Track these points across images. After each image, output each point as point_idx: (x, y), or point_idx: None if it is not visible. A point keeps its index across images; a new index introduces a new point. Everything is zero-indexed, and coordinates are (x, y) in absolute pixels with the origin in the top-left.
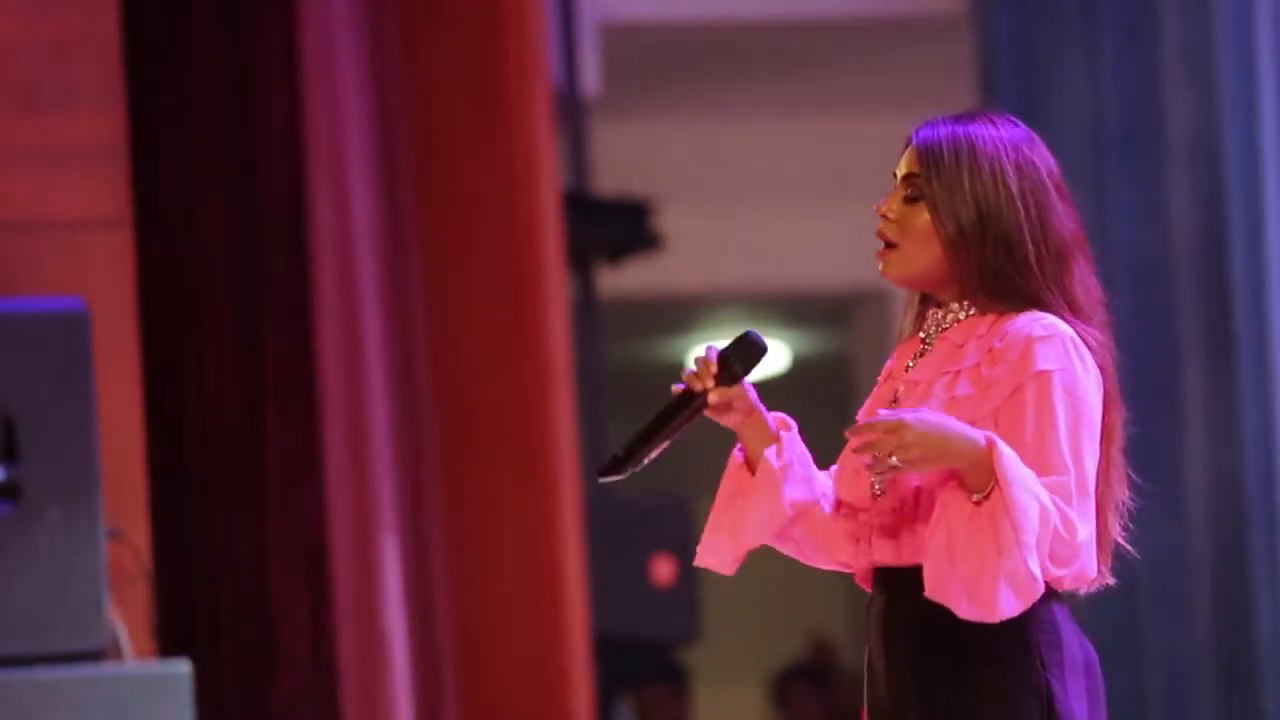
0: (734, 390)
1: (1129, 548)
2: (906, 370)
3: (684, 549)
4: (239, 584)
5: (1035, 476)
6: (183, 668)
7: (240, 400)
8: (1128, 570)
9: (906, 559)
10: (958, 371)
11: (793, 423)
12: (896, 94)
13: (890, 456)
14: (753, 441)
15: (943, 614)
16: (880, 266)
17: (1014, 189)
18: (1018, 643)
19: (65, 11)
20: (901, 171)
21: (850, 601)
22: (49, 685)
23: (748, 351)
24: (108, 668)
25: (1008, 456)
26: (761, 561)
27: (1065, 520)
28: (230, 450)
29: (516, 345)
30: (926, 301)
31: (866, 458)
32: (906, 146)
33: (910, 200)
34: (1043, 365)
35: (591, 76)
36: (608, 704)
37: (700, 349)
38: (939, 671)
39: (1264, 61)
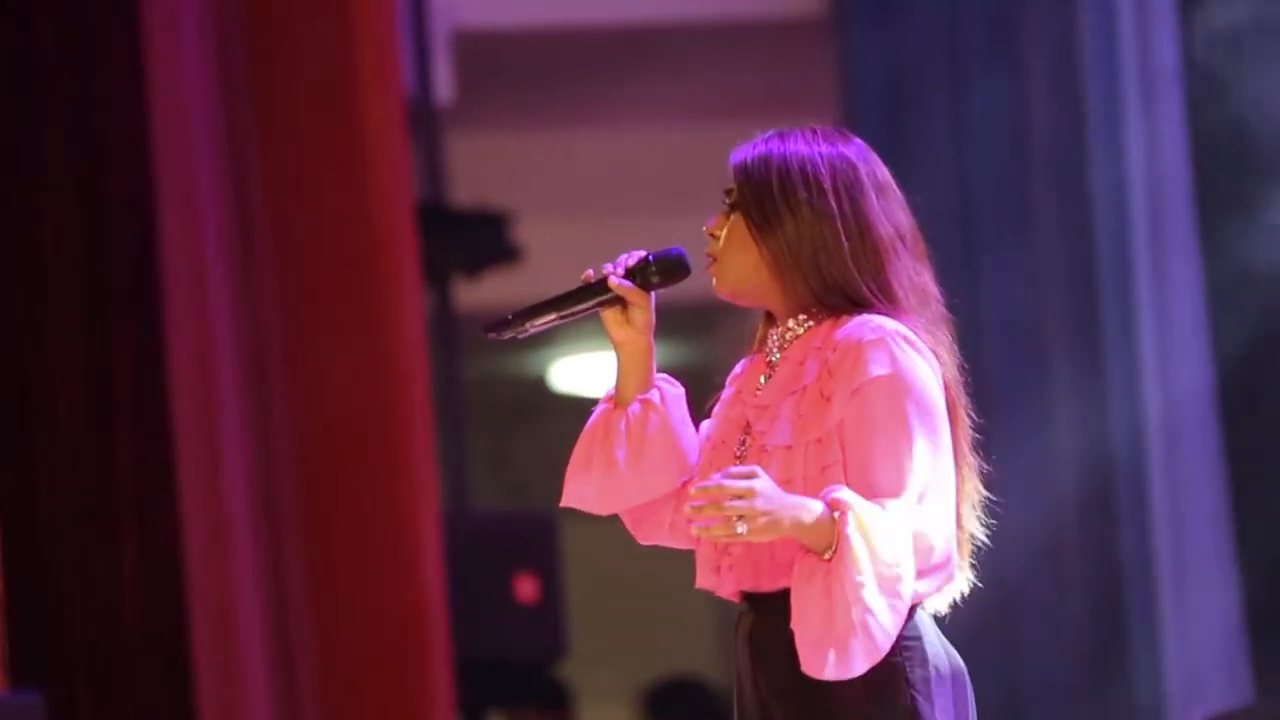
0: (643, 298)
1: (988, 543)
2: (756, 393)
3: (548, 566)
4: (91, 612)
5: (880, 517)
6: (33, 699)
7: (89, 422)
8: (997, 569)
9: (767, 585)
10: (802, 389)
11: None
12: (756, 100)
13: (737, 523)
14: (630, 375)
15: None
16: (712, 279)
17: (826, 186)
18: (884, 663)
19: None
20: (727, 186)
21: (719, 617)
22: None
23: (673, 264)
24: None
25: (851, 519)
26: (628, 579)
27: (923, 546)
28: (80, 475)
29: (373, 360)
30: (770, 321)
31: (703, 518)
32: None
33: (730, 212)
34: (875, 371)
35: (445, 85)
36: None
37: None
38: (807, 693)
39: (1128, 71)
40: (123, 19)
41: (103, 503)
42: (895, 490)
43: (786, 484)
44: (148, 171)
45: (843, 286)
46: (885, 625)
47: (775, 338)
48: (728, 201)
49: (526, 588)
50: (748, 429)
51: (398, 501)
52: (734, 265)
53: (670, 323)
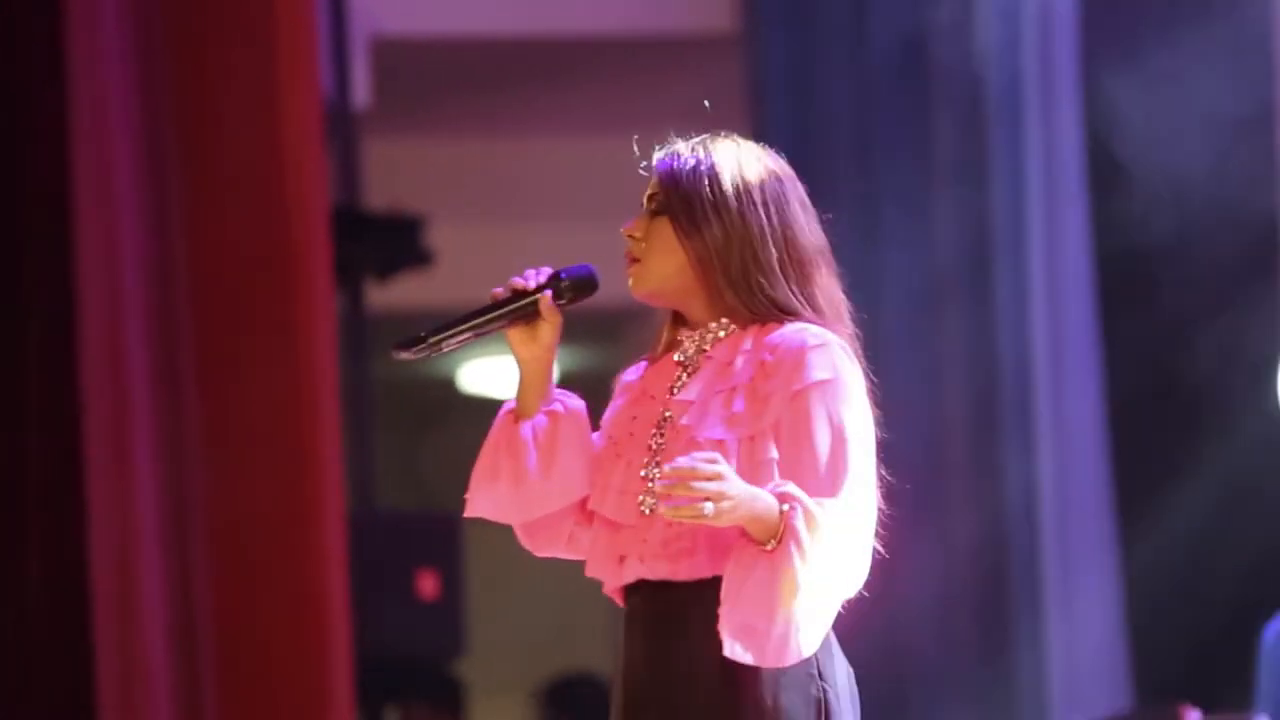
0: (557, 315)
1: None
2: (673, 392)
3: (449, 565)
4: None
5: (825, 515)
6: None
7: None
8: (886, 576)
9: (684, 575)
10: (732, 388)
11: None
12: (667, 112)
13: (704, 504)
14: (532, 388)
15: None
16: (630, 284)
17: (756, 197)
18: None
19: None
20: (647, 192)
21: (615, 614)
22: None
23: (584, 281)
24: None
25: (799, 513)
26: (527, 578)
27: (855, 547)
28: None
29: (284, 360)
30: (678, 323)
31: (673, 497)
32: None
33: (653, 215)
34: (819, 375)
35: (362, 90)
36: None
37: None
38: (723, 682)
39: (1030, 85)
40: (44, 18)
41: (10, 502)
42: (831, 491)
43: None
44: (65, 171)
45: (771, 294)
46: (823, 620)
47: (692, 340)
48: (651, 206)
49: (428, 585)
50: (662, 424)
51: (305, 499)
52: (657, 267)
53: (575, 330)
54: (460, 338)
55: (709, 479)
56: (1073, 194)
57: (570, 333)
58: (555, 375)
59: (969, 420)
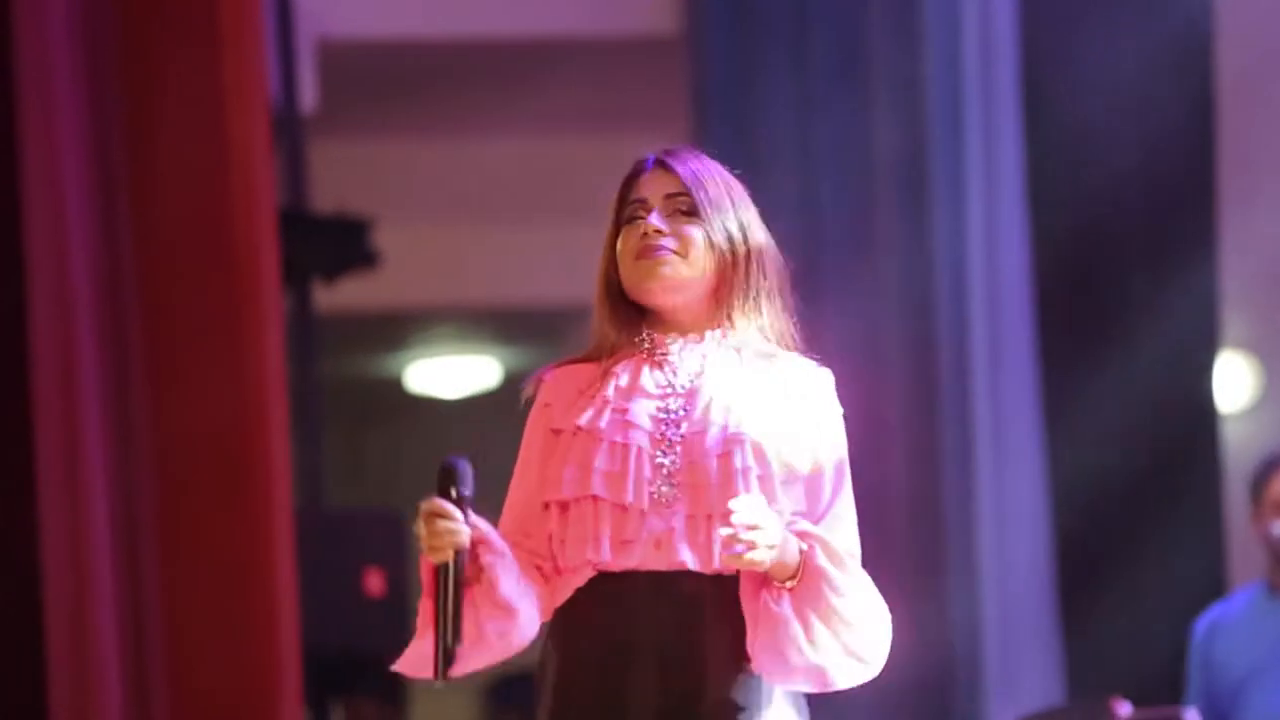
0: (466, 531)
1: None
2: (665, 387)
3: (395, 562)
4: None
5: (838, 553)
6: None
7: None
8: None
9: (702, 568)
10: (753, 391)
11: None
12: (609, 113)
13: (764, 553)
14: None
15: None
16: (662, 267)
17: (756, 217)
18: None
19: None
20: (660, 192)
21: None
22: None
23: (452, 474)
24: None
25: (820, 555)
26: None
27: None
28: None
29: (232, 361)
30: (633, 324)
31: (733, 546)
32: (640, 172)
33: (685, 215)
34: (837, 412)
35: (309, 93)
36: (320, 716)
37: (421, 526)
38: (733, 667)
39: (970, 85)
40: None
41: None
42: (852, 547)
43: (765, 476)
44: (15, 175)
45: (770, 310)
46: (867, 643)
47: (675, 342)
48: (680, 207)
49: (374, 582)
50: (669, 417)
51: (253, 497)
52: (696, 267)
53: (516, 330)
54: (457, 625)
55: (766, 527)
56: (1014, 204)
57: (512, 333)
58: (499, 375)
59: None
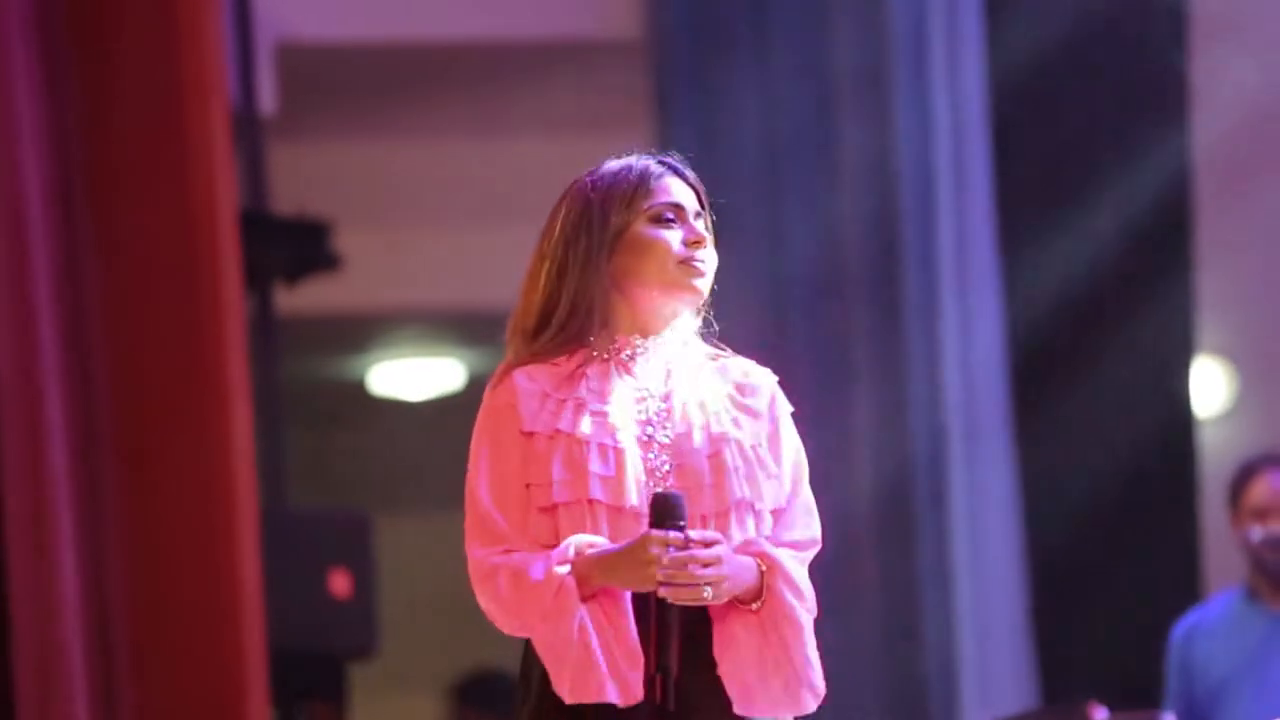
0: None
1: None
2: (645, 392)
3: (361, 563)
4: None
5: (796, 565)
6: None
7: None
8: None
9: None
10: (720, 392)
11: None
12: (571, 116)
13: (705, 589)
14: None
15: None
16: (699, 280)
17: None
18: None
19: None
20: (691, 206)
21: None
22: None
23: (679, 508)
24: None
25: (779, 574)
26: (437, 576)
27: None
28: None
29: (194, 363)
30: (606, 320)
31: (675, 585)
32: (659, 174)
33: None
34: (787, 405)
35: (268, 96)
36: (286, 717)
37: (660, 552)
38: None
39: (937, 84)
40: None
41: None
42: (811, 530)
43: (750, 474)
44: None
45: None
46: (817, 667)
47: (642, 345)
48: (701, 222)
49: (340, 583)
50: (652, 418)
51: (217, 498)
52: (707, 286)
53: (480, 333)
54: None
55: (707, 564)
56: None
57: (475, 335)
58: (463, 378)
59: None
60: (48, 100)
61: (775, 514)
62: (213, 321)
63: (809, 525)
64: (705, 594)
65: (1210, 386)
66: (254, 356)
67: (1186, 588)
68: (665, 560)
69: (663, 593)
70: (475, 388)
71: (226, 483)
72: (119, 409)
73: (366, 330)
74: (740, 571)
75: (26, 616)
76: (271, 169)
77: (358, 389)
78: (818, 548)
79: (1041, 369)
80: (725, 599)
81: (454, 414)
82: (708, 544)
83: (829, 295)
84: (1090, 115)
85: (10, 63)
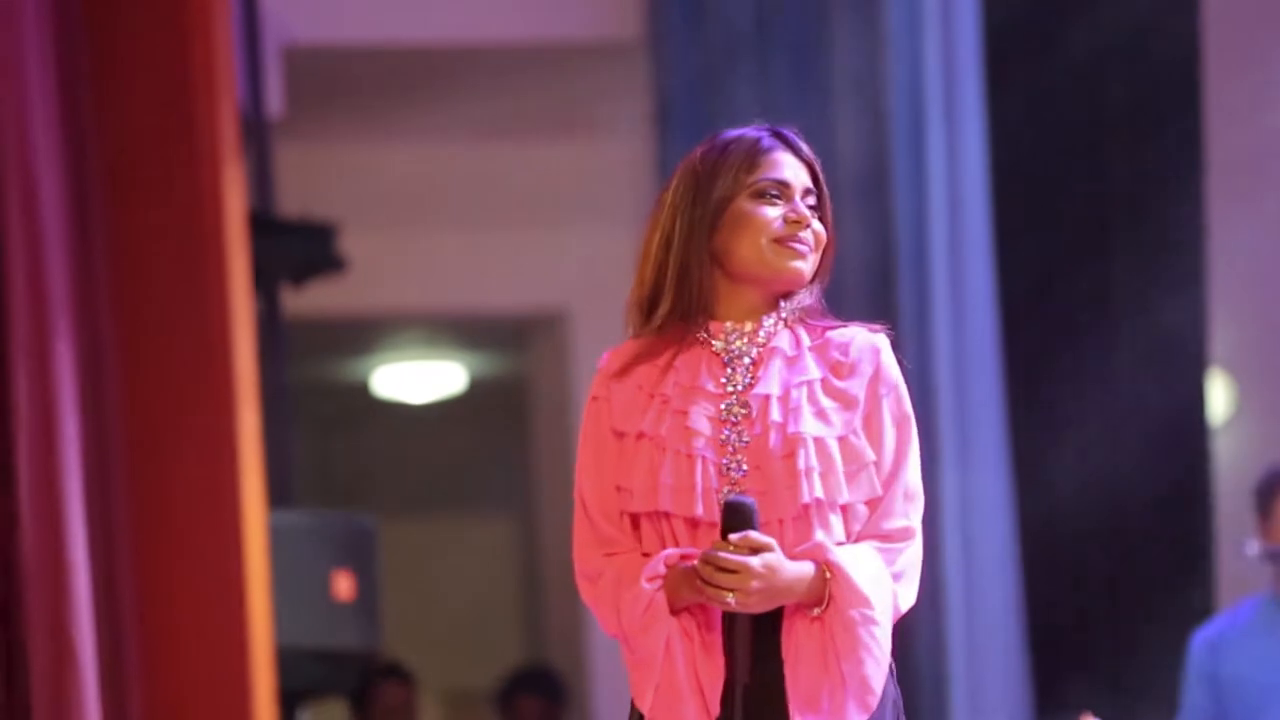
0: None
1: None
2: (731, 385)
3: (365, 566)
4: None
5: (864, 568)
6: None
7: None
8: None
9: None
10: (808, 383)
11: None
12: (574, 119)
13: (728, 594)
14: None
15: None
16: (800, 262)
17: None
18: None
19: None
20: (800, 183)
21: (526, 615)
22: None
23: (751, 516)
24: None
25: (841, 584)
26: (441, 579)
27: (913, 575)
28: None
29: (203, 364)
30: (702, 303)
31: (708, 591)
32: (767, 149)
33: (811, 209)
34: (895, 377)
35: (275, 99)
36: (289, 717)
37: (720, 557)
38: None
39: (932, 92)
40: None
41: None
42: (905, 517)
43: (828, 472)
44: None
45: (822, 298)
46: (875, 679)
47: (739, 333)
48: (809, 200)
49: (344, 586)
50: (734, 418)
51: (225, 501)
52: (810, 267)
53: (483, 339)
54: (751, 658)
55: (733, 570)
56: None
57: (478, 338)
58: (466, 380)
59: None
60: (59, 104)
61: (870, 504)
62: (221, 323)
63: (905, 514)
64: (728, 600)
65: (1216, 396)
66: (260, 359)
67: (1191, 599)
68: (701, 570)
69: (705, 594)
70: (476, 391)
71: (235, 485)
72: (129, 411)
73: (370, 332)
74: (789, 576)
75: (39, 617)
76: (278, 171)
77: (362, 391)
78: (912, 539)
79: (1039, 371)
80: (763, 606)
81: (455, 418)
82: (755, 550)
83: (827, 296)
84: (1091, 117)
85: (23, 69)
